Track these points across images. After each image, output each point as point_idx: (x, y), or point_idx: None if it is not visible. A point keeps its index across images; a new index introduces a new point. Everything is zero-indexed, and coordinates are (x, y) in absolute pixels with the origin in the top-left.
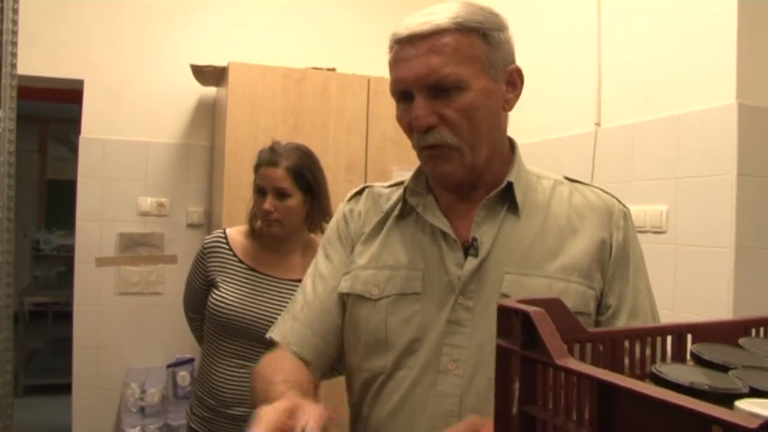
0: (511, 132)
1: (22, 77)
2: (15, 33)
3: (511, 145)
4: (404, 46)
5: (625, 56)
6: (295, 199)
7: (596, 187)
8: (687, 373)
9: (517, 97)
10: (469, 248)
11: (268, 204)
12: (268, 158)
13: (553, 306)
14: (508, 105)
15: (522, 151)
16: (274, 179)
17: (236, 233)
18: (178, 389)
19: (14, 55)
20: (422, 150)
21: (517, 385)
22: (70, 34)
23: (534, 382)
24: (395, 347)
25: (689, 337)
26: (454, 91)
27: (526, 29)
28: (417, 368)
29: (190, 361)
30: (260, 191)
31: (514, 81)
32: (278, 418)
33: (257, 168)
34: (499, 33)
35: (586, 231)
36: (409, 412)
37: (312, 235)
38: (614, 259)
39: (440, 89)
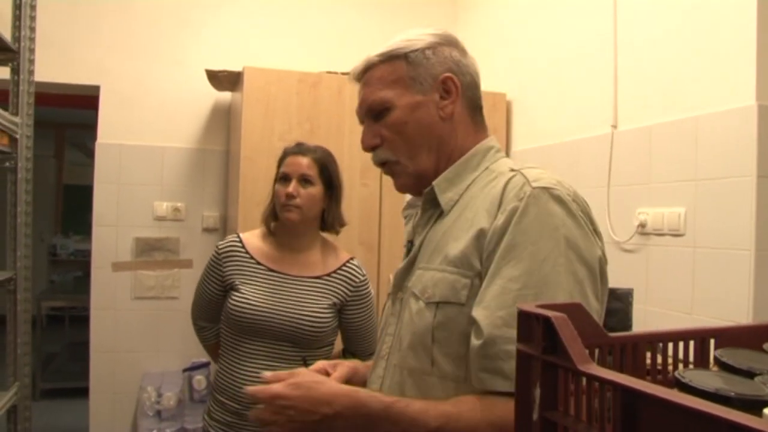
0: (526, 135)
1: (39, 83)
2: (32, 40)
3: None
4: (356, 84)
5: (642, 57)
6: (317, 189)
7: (523, 172)
8: (712, 380)
9: (454, 102)
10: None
11: (292, 188)
12: (296, 149)
13: (574, 311)
14: (444, 111)
15: (539, 154)
16: (300, 166)
17: (251, 237)
18: (194, 393)
19: (31, 61)
20: (381, 169)
21: (537, 391)
22: (86, 40)
23: (555, 388)
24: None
25: (712, 341)
26: (385, 113)
27: (542, 32)
28: (376, 355)
29: (206, 365)
30: (284, 178)
31: (448, 88)
32: (323, 365)
33: (283, 158)
34: (424, 51)
35: (479, 220)
36: None
37: (324, 235)
38: (488, 243)
39: (375, 114)
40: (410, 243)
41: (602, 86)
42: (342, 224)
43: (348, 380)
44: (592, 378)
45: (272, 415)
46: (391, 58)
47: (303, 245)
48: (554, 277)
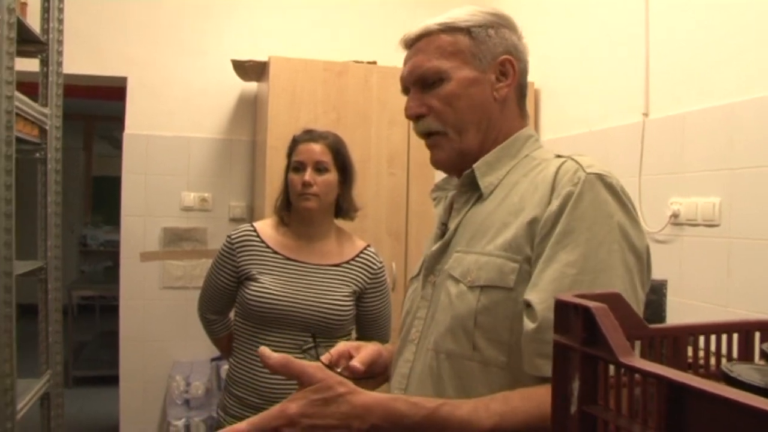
0: (555, 124)
1: (67, 76)
2: (61, 32)
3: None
4: (406, 50)
5: (675, 42)
6: (332, 176)
7: (574, 158)
8: (760, 374)
9: (509, 86)
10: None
11: (308, 176)
12: (307, 136)
13: (613, 301)
14: (498, 93)
15: (567, 143)
16: (314, 153)
17: (264, 226)
18: (222, 382)
19: (60, 53)
20: (423, 140)
21: (576, 384)
22: (114, 32)
23: (595, 381)
24: (399, 322)
25: (757, 335)
26: (438, 83)
27: (570, 17)
28: (401, 339)
29: None
30: (298, 167)
31: (506, 71)
32: (346, 347)
33: (294, 147)
34: (488, 29)
35: (530, 205)
36: (393, 377)
37: (338, 222)
38: (542, 228)
39: (427, 83)
40: (444, 226)
41: (633, 73)
42: (356, 209)
43: (372, 363)
44: (635, 371)
45: None
46: (452, 29)
47: (319, 233)
48: (610, 263)
